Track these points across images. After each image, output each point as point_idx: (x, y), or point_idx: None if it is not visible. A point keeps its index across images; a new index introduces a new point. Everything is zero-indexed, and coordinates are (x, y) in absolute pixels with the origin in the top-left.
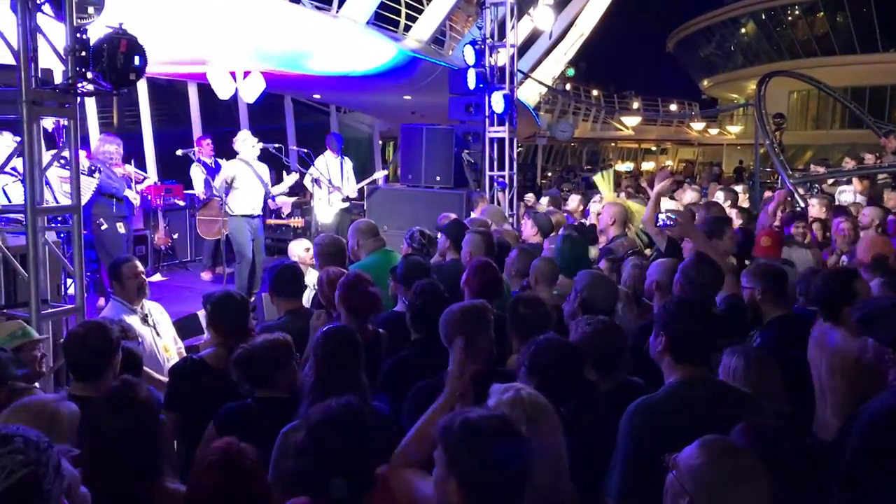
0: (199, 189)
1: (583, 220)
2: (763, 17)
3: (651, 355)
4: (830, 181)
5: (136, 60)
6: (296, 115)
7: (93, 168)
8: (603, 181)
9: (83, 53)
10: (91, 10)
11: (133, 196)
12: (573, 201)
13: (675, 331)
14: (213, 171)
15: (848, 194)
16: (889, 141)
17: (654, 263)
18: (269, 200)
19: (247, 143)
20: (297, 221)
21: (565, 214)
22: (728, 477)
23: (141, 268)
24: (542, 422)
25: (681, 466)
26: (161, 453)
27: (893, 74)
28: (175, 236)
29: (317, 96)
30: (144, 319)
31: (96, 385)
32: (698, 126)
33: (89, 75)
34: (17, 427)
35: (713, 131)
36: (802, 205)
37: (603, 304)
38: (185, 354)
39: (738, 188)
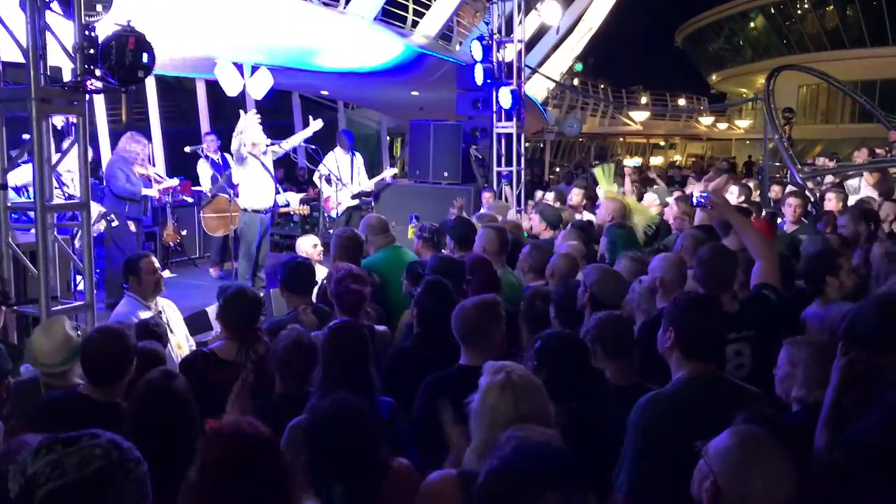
0: (205, 185)
1: (590, 217)
2: (772, 10)
3: (659, 350)
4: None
5: (145, 58)
6: (303, 112)
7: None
8: (603, 175)
9: (91, 51)
10: (99, 7)
11: (154, 193)
12: (576, 196)
13: (685, 326)
14: (218, 166)
15: (854, 180)
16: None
17: (656, 258)
18: (277, 196)
19: (254, 126)
20: (303, 209)
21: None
22: (753, 457)
23: (157, 264)
24: (531, 401)
25: (710, 451)
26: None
27: None
28: (184, 233)
29: (324, 93)
30: (158, 316)
31: (110, 390)
32: (707, 121)
33: (98, 72)
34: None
35: (722, 126)
36: (813, 199)
37: (612, 298)
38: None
39: (750, 183)
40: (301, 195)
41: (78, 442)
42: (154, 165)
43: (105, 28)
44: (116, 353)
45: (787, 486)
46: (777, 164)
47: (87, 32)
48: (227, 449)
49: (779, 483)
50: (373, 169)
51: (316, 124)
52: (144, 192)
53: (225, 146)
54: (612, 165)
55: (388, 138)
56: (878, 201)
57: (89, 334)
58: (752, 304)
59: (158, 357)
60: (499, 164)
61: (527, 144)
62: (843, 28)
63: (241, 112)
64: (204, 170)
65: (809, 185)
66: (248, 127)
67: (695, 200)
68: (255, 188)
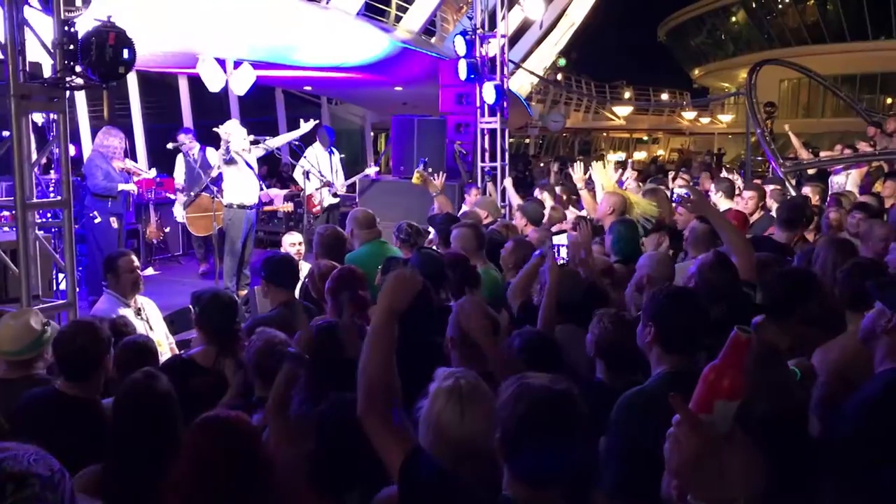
0: (178, 179)
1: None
2: (753, 5)
3: (638, 345)
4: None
5: (125, 53)
6: (287, 107)
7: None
8: (603, 170)
9: (71, 47)
10: (79, 2)
11: (132, 188)
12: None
13: (665, 321)
14: (191, 166)
15: (840, 176)
16: (888, 125)
17: (644, 256)
18: (261, 193)
19: (237, 133)
20: (286, 207)
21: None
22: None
23: (137, 263)
24: (479, 408)
25: None
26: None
27: (883, 62)
28: (167, 230)
29: (308, 88)
30: (138, 313)
31: (86, 385)
32: (689, 115)
33: (78, 69)
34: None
35: (704, 120)
36: (793, 193)
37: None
38: (175, 349)
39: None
40: (285, 192)
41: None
42: (136, 161)
43: (85, 23)
44: (88, 346)
45: (756, 478)
46: (759, 158)
47: (66, 28)
48: (210, 439)
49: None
50: (356, 166)
51: (306, 126)
52: (122, 187)
53: (206, 142)
54: (612, 162)
55: (372, 133)
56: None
57: (62, 327)
58: (737, 304)
59: (149, 350)
60: (483, 160)
61: (511, 140)
62: (824, 22)
63: (232, 118)
64: (179, 166)
65: (791, 180)
66: (234, 135)
67: (674, 196)
68: (240, 184)
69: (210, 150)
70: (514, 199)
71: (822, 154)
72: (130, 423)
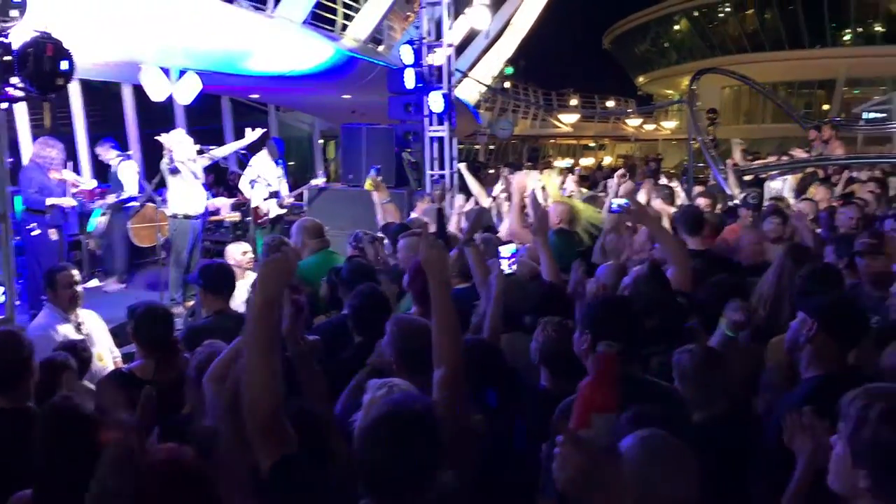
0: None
1: None
2: (695, 14)
3: (575, 352)
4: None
5: (64, 65)
6: (234, 115)
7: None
8: (549, 180)
9: (7, 58)
10: (14, 12)
11: (68, 202)
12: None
13: (600, 329)
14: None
15: (777, 182)
16: (823, 132)
17: (601, 267)
18: (207, 202)
19: (183, 143)
20: (232, 216)
21: None
22: (655, 457)
23: (77, 277)
24: None
25: None
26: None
27: (819, 70)
28: None
29: (255, 96)
30: (78, 328)
31: (13, 396)
32: (635, 122)
33: (15, 80)
34: None
35: (649, 127)
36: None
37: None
38: (120, 362)
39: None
40: (232, 201)
41: None
42: (80, 171)
43: (21, 34)
44: (10, 355)
45: (694, 482)
46: (701, 164)
47: (1, 39)
48: (160, 481)
49: (685, 479)
50: (305, 173)
51: (253, 135)
52: (52, 201)
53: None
54: (556, 170)
55: (321, 141)
56: (794, 203)
57: None
58: (671, 315)
59: (65, 366)
60: (431, 168)
61: (461, 147)
62: (763, 31)
63: (177, 128)
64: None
65: (735, 188)
66: (178, 144)
67: (613, 207)
68: (185, 194)
69: (124, 164)
70: (473, 184)
71: (757, 162)
72: (54, 449)
